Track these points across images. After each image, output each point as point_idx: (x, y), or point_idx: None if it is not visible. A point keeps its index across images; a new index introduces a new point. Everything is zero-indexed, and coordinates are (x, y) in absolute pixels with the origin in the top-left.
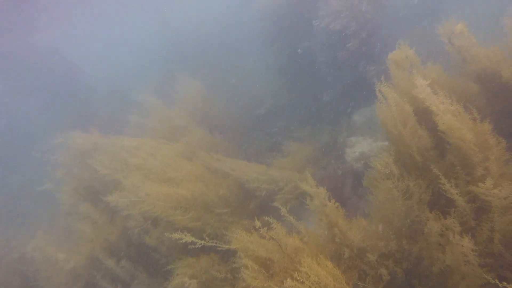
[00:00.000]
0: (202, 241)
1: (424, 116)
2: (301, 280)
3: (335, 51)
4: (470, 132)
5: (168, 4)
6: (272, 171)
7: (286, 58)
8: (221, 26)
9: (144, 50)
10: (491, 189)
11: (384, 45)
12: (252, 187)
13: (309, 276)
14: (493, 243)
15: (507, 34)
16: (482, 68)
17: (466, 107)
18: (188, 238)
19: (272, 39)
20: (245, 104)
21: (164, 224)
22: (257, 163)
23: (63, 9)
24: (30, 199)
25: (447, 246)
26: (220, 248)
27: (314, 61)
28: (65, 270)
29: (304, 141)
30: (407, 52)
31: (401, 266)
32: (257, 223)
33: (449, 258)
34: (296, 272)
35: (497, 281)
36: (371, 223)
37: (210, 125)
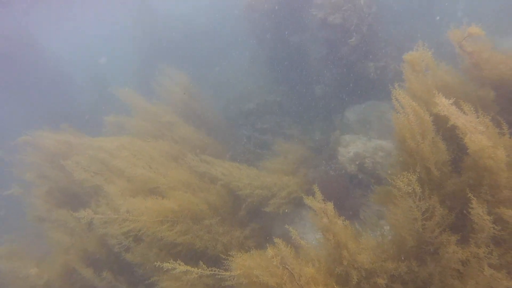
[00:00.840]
0: (199, 270)
1: (438, 125)
2: None
3: (333, 45)
4: (503, 150)
5: None
6: (264, 176)
7: (277, 52)
8: (209, 17)
9: (127, 41)
10: None
11: (381, 41)
12: (245, 193)
13: None
14: None
15: None
16: (498, 75)
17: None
18: (182, 267)
19: (262, 31)
20: (233, 99)
21: (149, 240)
22: (247, 165)
23: None
24: None
25: (470, 275)
26: (214, 269)
27: (306, 55)
28: (38, 285)
29: (295, 139)
30: (425, 54)
31: None
32: (269, 251)
33: None
34: None
35: None
36: (382, 243)
37: (196, 120)
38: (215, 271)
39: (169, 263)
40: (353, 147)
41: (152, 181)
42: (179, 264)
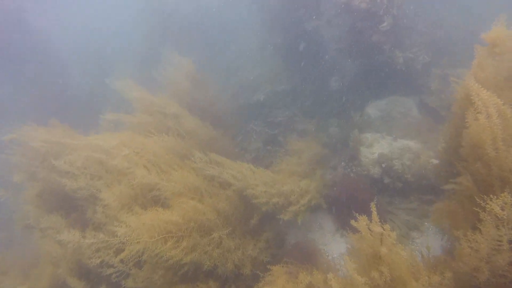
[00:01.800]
0: None
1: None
2: None
3: (357, 32)
4: None
5: None
6: (281, 182)
7: (289, 39)
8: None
9: (127, 23)
10: None
11: (408, 28)
12: (260, 202)
13: None
14: None
15: None
16: None
17: None
18: None
19: (274, 15)
20: (241, 88)
21: (153, 261)
22: (258, 165)
23: None
24: None
25: None
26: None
27: (322, 43)
28: None
29: (309, 135)
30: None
31: None
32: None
33: None
34: None
35: None
36: (444, 278)
37: (201, 112)
38: None
39: None
40: (378, 147)
41: (155, 186)
42: None
